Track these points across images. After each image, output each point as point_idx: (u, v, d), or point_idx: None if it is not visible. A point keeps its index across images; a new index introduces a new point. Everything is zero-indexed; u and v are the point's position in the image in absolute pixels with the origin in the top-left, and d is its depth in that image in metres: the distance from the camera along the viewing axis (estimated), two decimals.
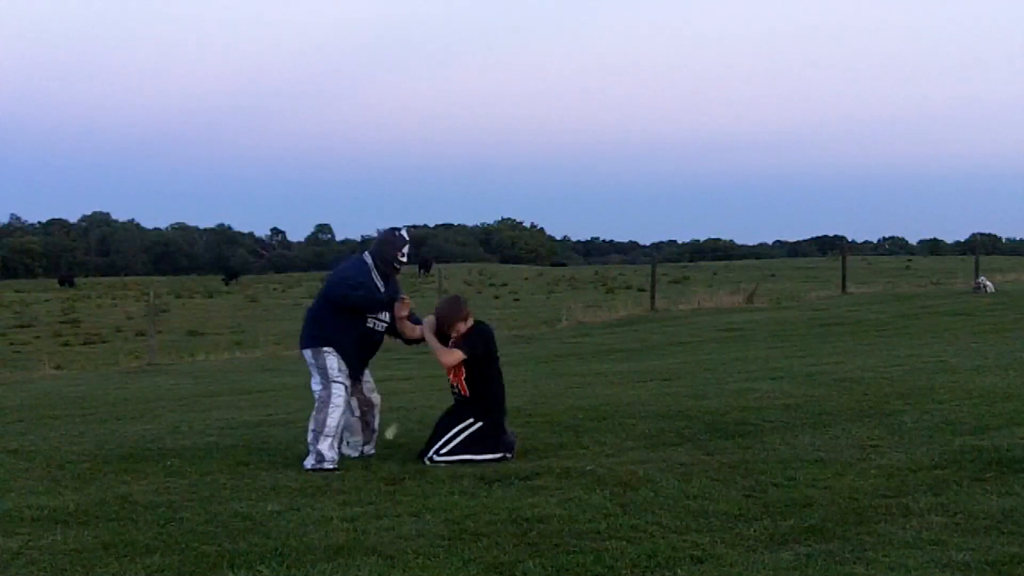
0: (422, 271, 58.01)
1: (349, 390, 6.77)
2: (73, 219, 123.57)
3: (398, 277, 6.98)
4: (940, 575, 4.14)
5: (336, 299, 6.71)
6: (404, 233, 6.83)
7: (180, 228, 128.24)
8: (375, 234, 7.04)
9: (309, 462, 6.59)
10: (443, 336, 6.73)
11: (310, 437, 6.65)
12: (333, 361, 6.71)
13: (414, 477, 6.18)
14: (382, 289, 6.78)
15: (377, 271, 6.78)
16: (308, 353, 6.81)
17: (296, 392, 11.78)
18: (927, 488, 5.47)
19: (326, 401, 6.67)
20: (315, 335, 6.77)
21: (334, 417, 6.63)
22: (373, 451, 6.98)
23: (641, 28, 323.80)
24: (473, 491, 5.75)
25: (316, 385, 6.77)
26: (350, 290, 6.65)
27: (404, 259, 6.83)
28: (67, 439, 8.16)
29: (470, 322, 6.74)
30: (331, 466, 6.54)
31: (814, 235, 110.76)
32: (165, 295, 45.66)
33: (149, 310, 22.71)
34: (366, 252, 6.88)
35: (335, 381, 6.70)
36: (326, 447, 6.59)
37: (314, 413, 6.70)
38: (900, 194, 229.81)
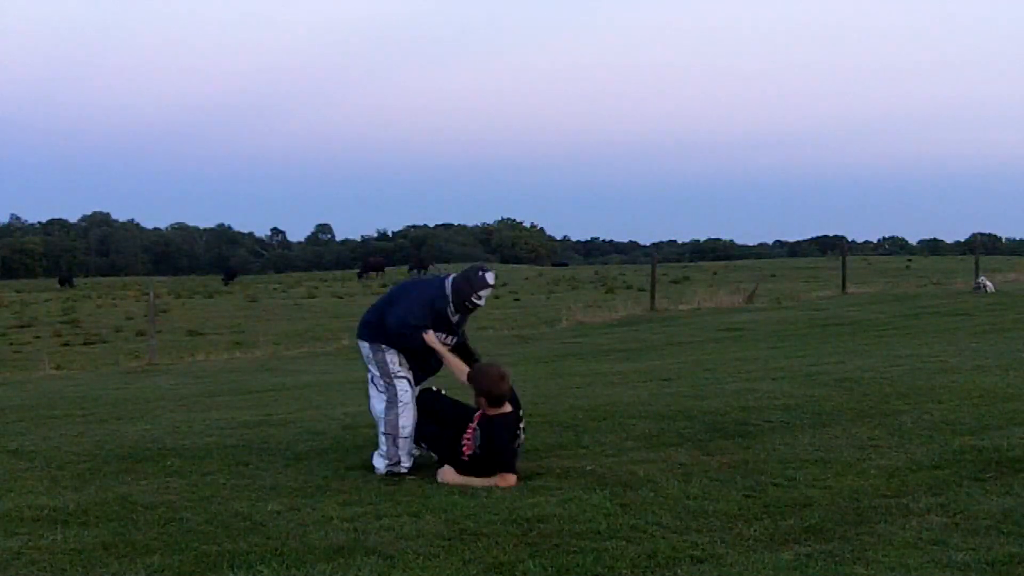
0: (417, 272, 58.05)
1: (413, 384, 6.46)
2: (73, 219, 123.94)
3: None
4: (940, 575, 4.14)
5: (391, 328, 6.35)
6: (489, 277, 6.33)
7: (180, 228, 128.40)
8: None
9: (382, 465, 6.31)
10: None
11: (382, 440, 6.33)
12: (393, 356, 6.41)
13: (414, 477, 6.18)
14: (453, 320, 6.44)
15: (453, 303, 6.39)
16: (366, 346, 6.48)
17: (296, 392, 11.78)
18: (927, 488, 5.47)
19: (393, 400, 6.35)
20: (379, 331, 6.44)
21: (406, 416, 6.33)
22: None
23: (641, 28, 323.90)
24: (473, 491, 5.75)
25: (377, 383, 6.43)
26: (405, 328, 6.31)
27: (480, 302, 6.32)
28: (67, 439, 8.16)
29: (505, 408, 6.17)
30: (406, 470, 6.30)
31: (814, 235, 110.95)
32: (165, 295, 45.65)
33: (149, 310, 22.71)
34: (450, 277, 6.47)
35: (397, 376, 6.39)
36: (404, 451, 6.31)
37: (382, 414, 6.36)
38: (900, 194, 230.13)
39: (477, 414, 6.24)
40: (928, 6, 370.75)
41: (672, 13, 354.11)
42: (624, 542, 4.66)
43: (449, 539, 4.78)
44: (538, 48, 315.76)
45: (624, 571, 4.30)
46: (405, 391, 6.38)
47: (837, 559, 4.34)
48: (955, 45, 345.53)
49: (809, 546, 4.54)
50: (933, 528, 4.75)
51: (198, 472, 6.51)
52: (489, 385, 6.13)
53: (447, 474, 6.09)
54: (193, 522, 5.22)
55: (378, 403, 6.45)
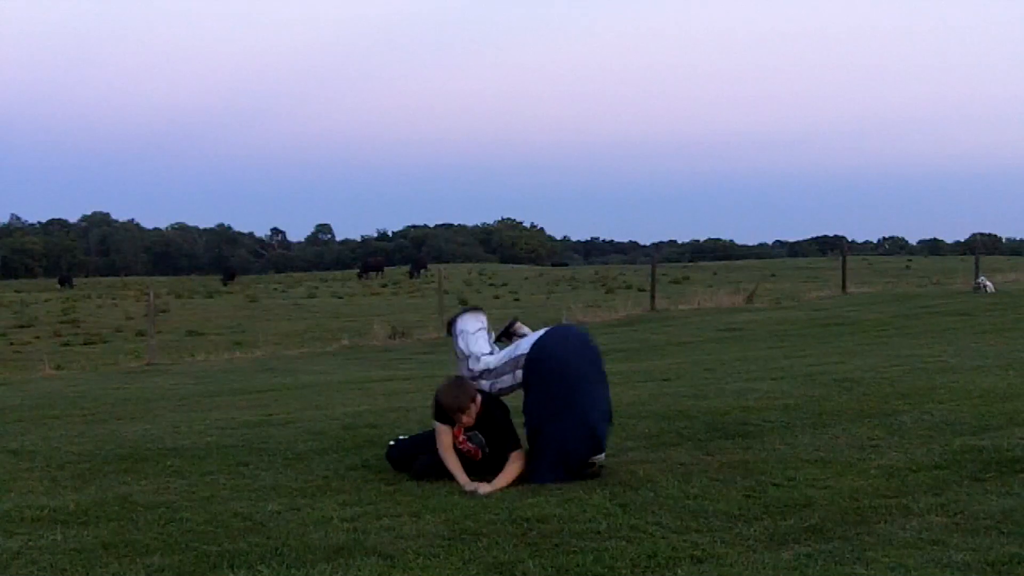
0: (414, 272, 58.03)
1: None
2: (73, 219, 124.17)
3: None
4: (940, 575, 4.14)
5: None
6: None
7: (180, 228, 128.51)
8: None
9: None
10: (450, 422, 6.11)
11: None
12: (508, 379, 6.23)
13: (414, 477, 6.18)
14: None
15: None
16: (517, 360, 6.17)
17: (296, 392, 11.78)
18: (927, 488, 5.47)
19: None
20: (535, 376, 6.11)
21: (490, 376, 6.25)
22: None
23: (641, 28, 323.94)
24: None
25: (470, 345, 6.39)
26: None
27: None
28: (67, 439, 8.15)
29: (478, 400, 6.09)
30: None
31: (814, 235, 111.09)
32: (165, 295, 45.67)
33: (149, 310, 22.71)
34: None
35: (500, 385, 6.23)
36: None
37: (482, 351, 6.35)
38: (900, 194, 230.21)
39: (458, 427, 6.07)
40: (928, 6, 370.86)
41: (672, 13, 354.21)
42: (624, 542, 4.66)
43: (449, 539, 4.78)
44: (538, 48, 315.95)
45: (624, 571, 4.30)
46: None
47: (837, 559, 4.34)
48: (955, 45, 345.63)
49: (809, 546, 4.54)
50: (933, 528, 4.75)
51: (198, 472, 6.50)
52: (454, 396, 6.02)
53: (483, 487, 5.80)
54: (193, 522, 5.22)
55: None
